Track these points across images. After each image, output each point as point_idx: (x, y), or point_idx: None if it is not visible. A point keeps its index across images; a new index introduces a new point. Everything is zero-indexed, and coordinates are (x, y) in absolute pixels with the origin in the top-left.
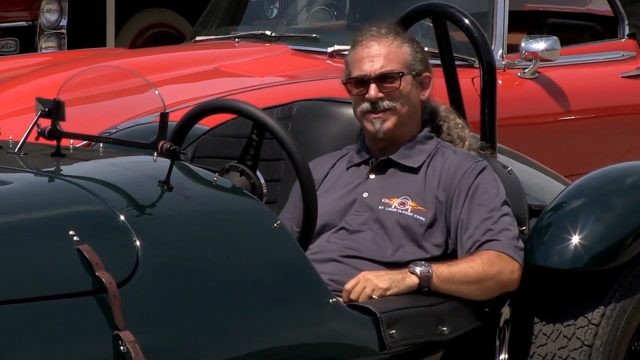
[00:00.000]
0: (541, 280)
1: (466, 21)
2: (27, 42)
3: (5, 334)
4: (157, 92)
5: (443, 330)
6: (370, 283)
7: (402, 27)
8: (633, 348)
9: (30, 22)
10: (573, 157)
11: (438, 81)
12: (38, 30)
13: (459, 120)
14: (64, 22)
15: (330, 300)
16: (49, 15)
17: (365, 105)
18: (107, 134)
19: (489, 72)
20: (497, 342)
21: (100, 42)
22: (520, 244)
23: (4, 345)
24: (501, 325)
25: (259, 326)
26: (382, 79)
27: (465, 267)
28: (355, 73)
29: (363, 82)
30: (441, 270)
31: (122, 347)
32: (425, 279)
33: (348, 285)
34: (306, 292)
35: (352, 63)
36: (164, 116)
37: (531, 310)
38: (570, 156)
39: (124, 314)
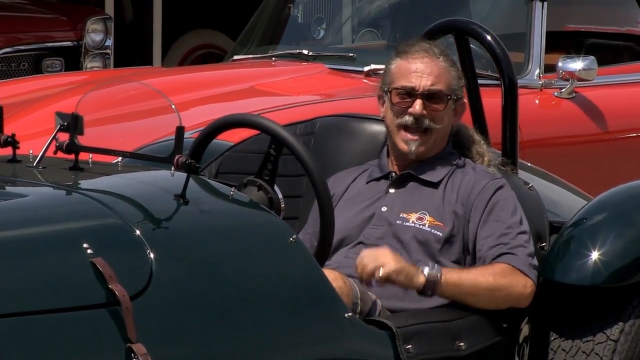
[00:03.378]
0: (560, 296)
1: (488, 37)
2: (72, 62)
3: (19, 346)
4: (173, 106)
5: (460, 345)
6: (386, 257)
7: None
8: None
9: (75, 42)
10: (609, 178)
11: None
12: (83, 50)
13: (477, 137)
14: (109, 42)
15: (346, 315)
16: (94, 35)
17: (407, 119)
18: None
19: (510, 89)
20: (516, 358)
21: (148, 62)
22: (535, 262)
23: (18, 358)
24: (520, 341)
25: (274, 341)
26: (430, 97)
27: (476, 275)
28: (403, 83)
29: (409, 94)
30: (450, 275)
31: None
32: (431, 284)
33: (366, 251)
34: (322, 307)
35: (398, 72)
36: (180, 130)
37: (550, 326)
38: (606, 177)
39: (137, 327)
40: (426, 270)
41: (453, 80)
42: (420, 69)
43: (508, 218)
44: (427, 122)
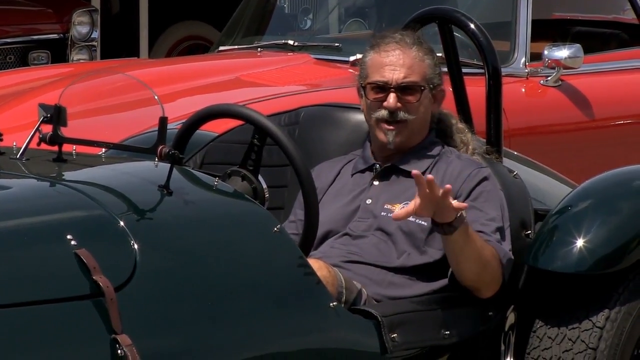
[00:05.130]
0: (546, 284)
1: (472, 26)
2: (58, 54)
3: (2, 338)
4: (156, 96)
5: (446, 334)
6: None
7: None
8: (638, 352)
9: (61, 35)
10: (596, 165)
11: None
12: (69, 42)
13: (461, 125)
14: (95, 35)
15: (331, 304)
16: (80, 27)
17: (383, 113)
18: None
19: (494, 77)
20: (502, 347)
21: (134, 54)
22: (509, 261)
23: (1, 350)
24: (506, 329)
25: (259, 331)
26: (403, 89)
27: (482, 243)
28: (376, 78)
29: (383, 88)
30: (470, 229)
31: (119, 351)
32: (458, 221)
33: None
34: (307, 296)
35: (372, 67)
36: (163, 121)
37: (536, 313)
38: (593, 164)
39: (122, 318)
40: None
41: (428, 69)
42: (393, 62)
43: (491, 210)
44: (401, 114)
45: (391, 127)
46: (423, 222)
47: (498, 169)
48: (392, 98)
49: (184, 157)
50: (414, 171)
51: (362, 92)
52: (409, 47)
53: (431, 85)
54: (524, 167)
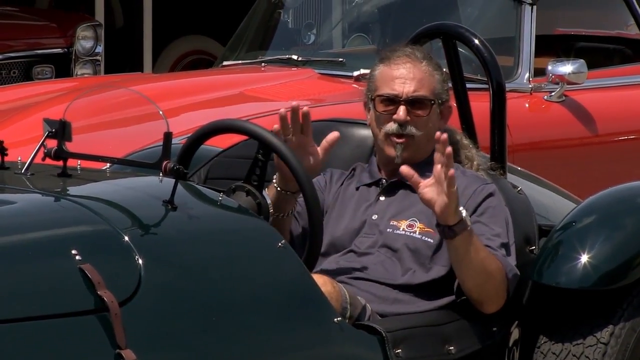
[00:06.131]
0: (550, 300)
1: (476, 41)
2: (62, 69)
3: (7, 353)
4: (160, 112)
5: (450, 349)
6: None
7: None
8: None
9: (65, 49)
10: (599, 181)
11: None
12: (73, 57)
13: (466, 141)
14: (99, 49)
15: (336, 320)
16: (84, 42)
17: (392, 126)
18: None
19: (498, 92)
20: None
21: (138, 69)
22: (515, 277)
23: None
24: (510, 344)
25: (263, 346)
26: (413, 103)
27: (488, 254)
28: (386, 91)
29: (393, 101)
30: (475, 237)
31: None
32: (460, 226)
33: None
34: (311, 311)
35: (382, 79)
36: (167, 136)
37: (540, 329)
38: (596, 180)
39: (126, 333)
40: (464, 213)
41: (437, 84)
42: (403, 75)
43: (496, 226)
44: (411, 129)
45: (401, 140)
46: (429, 240)
47: (502, 184)
48: (402, 110)
49: (189, 172)
50: (444, 135)
51: (371, 105)
52: (420, 61)
53: (440, 101)
54: (528, 183)
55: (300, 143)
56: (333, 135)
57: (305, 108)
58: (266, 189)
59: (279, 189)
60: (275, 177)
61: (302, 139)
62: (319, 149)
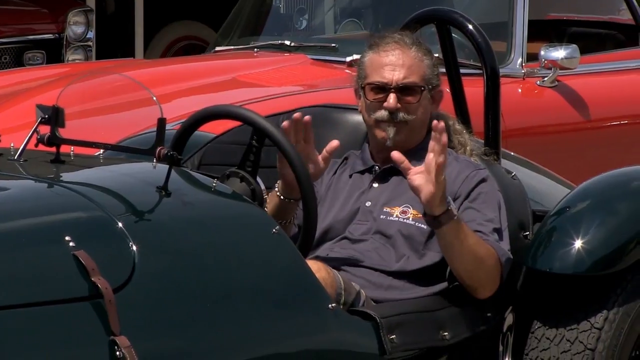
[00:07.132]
0: (544, 285)
1: (470, 26)
2: (53, 54)
3: (1, 340)
4: (154, 97)
5: (444, 335)
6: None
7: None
8: (635, 353)
9: (56, 35)
10: (593, 166)
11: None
12: (65, 43)
13: (458, 126)
14: (90, 35)
15: (330, 306)
16: (76, 27)
17: (382, 114)
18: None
19: (492, 78)
20: (501, 347)
21: (130, 54)
22: (508, 261)
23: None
24: (504, 330)
25: (258, 332)
26: (403, 90)
27: (478, 240)
28: (376, 79)
29: (382, 89)
30: (463, 225)
31: (117, 353)
32: (446, 217)
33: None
34: (306, 297)
35: (371, 67)
36: (161, 122)
37: (534, 314)
38: (590, 165)
39: (120, 319)
40: (452, 204)
41: (427, 70)
42: (392, 62)
43: (489, 211)
44: (401, 115)
45: (391, 125)
46: (423, 226)
47: (496, 170)
48: (392, 98)
49: (182, 158)
50: (441, 124)
51: (361, 93)
52: (408, 47)
53: (430, 86)
54: (522, 168)
55: (303, 152)
56: (333, 144)
57: (306, 117)
58: (268, 196)
59: (282, 197)
60: (277, 184)
61: (305, 147)
62: (319, 157)
